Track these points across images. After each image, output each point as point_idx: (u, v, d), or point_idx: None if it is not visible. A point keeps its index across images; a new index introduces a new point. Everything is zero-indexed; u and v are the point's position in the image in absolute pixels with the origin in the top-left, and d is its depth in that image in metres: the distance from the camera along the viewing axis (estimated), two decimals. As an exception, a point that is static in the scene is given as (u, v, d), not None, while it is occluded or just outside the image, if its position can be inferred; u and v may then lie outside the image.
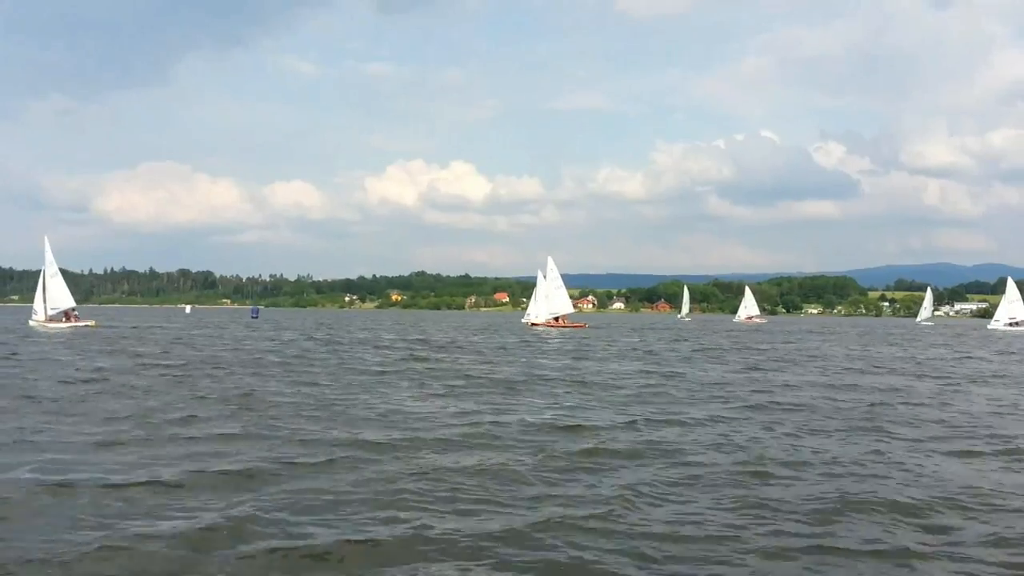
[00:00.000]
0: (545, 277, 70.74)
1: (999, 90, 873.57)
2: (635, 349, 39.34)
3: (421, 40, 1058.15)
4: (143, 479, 8.97)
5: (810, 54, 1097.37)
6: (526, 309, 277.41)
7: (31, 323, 56.40)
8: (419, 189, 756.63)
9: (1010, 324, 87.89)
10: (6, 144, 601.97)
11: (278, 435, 11.94)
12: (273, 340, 42.51)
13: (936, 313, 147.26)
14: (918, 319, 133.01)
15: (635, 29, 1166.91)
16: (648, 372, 25.10)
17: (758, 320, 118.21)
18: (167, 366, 23.82)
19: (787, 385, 21.24)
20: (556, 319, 69.23)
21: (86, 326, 56.00)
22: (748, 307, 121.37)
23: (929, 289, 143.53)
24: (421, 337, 50.22)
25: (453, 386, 19.81)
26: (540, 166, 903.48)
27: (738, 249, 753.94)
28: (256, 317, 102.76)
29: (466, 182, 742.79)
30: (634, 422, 13.95)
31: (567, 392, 19.06)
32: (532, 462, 10.39)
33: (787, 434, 13.15)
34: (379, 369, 24.61)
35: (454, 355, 32.30)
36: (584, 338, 50.57)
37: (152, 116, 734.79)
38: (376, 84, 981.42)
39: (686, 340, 50.77)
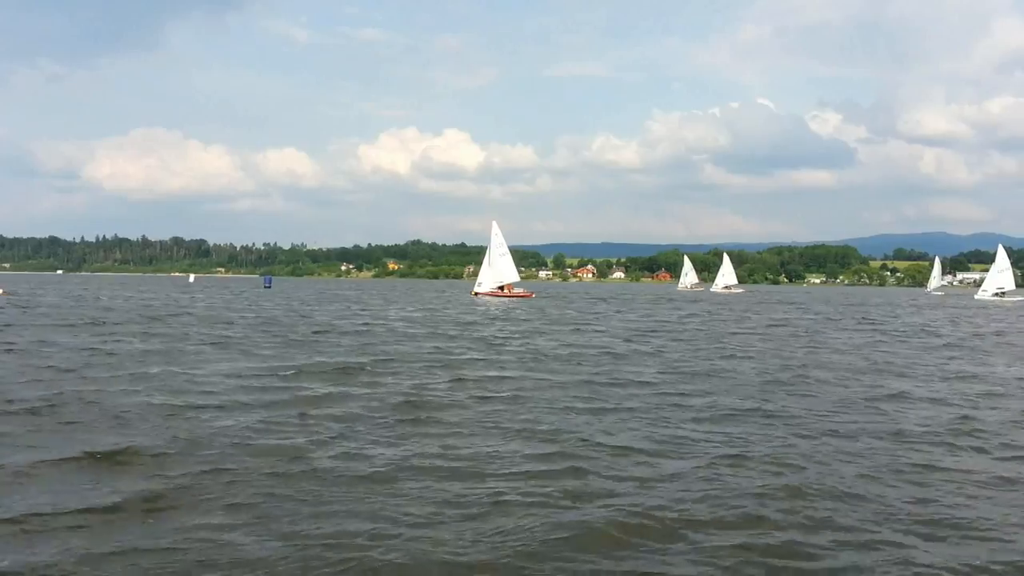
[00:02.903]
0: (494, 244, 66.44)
1: (998, 59, 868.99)
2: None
3: (415, 6, 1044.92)
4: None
5: (809, 22, 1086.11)
6: (524, 278, 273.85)
7: None
8: (412, 157, 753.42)
9: (997, 294, 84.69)
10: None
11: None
12: (393, 324, 30.63)
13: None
14: (928, 288, 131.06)
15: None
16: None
17: (737, 290, 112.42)
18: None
19: None
20: (501, 288, 65.54)
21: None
22: (726, 275, 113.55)
23: (937, 259, 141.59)
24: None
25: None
26: (534, 134, 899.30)
27: (732, 218, 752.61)
28: (269, 287, 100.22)
29: (460, 150, 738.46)
30: None
31: None
32: None
33: None
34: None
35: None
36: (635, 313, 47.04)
37: (143, 82, 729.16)
38: (369, 50, 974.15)
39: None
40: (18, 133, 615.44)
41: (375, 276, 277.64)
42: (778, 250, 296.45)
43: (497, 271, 65.56)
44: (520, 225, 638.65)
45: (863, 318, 42.07)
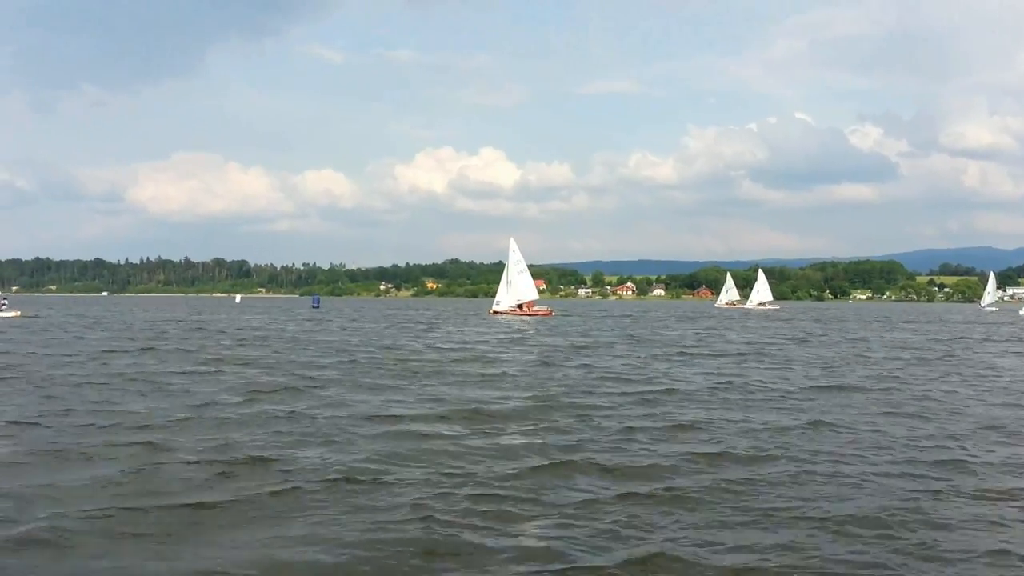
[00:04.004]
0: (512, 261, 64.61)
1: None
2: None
3: (448, 26, 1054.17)
4: None
5: (844, 35, 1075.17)
6: (564, 296, 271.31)
7: None
8: (449, 176, 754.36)
9: None
10: (40, 136, 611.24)
11: None
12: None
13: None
14: (983, 304, 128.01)
15: (663, 13, 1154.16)
16: None
17: (772, 306, 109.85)
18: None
19: None
20: (520, 306, 64.18)
21: (13, 316, 53.16)
22: (761, 292, 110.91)
23: (992, 274, 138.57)
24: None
25: None
26: (570, 152, 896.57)
27: (771, 234, 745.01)
28: (318, 307, 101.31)
29: (496, 169, 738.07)
30: None
31: None
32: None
33: None
34: None
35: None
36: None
37: (183, 106, 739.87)
38: (404, 71, 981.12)
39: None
40: (64, 158, 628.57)
41: (414, 295, 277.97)
42: (821, 266, 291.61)
43: (516, 289, 64.34)
44: (557, 243, 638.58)
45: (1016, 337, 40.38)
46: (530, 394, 16.28)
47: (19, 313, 56.07)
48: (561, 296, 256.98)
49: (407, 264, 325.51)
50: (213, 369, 20.83)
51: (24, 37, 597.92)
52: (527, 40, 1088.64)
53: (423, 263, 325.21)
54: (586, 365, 23.23)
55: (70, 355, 24.58)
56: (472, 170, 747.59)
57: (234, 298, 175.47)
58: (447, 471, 9.49)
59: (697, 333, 43.14)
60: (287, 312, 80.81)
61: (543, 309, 69.03)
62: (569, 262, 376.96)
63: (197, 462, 9.62)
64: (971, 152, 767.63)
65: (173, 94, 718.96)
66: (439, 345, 31.49)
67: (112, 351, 26.41)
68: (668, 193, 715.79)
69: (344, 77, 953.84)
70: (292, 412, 13.58)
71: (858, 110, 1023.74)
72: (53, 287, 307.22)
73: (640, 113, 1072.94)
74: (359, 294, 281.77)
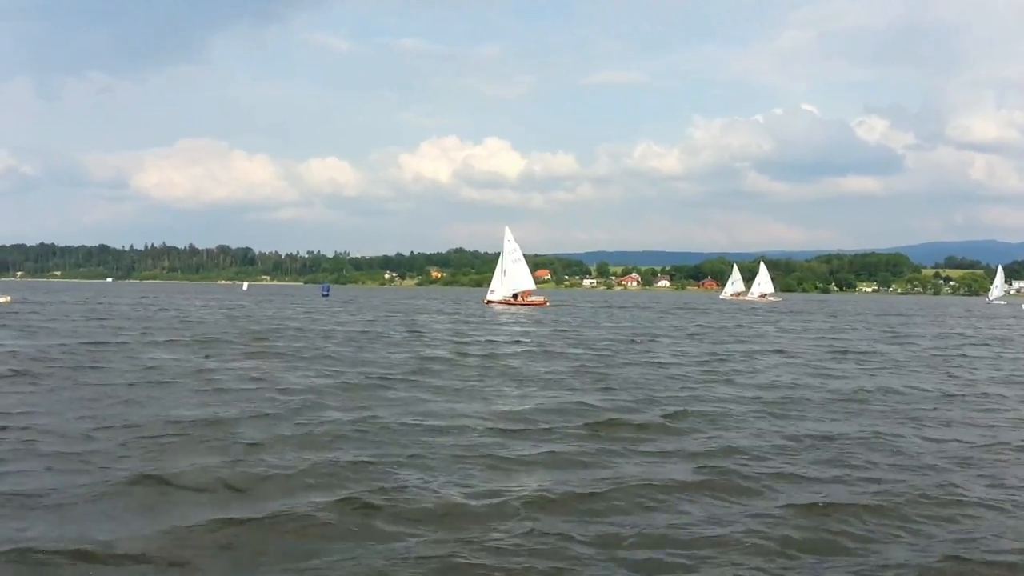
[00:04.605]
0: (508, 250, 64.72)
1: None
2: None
3: (454, 16, 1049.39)
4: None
5: (851, 27, 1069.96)
6: (569, 286, 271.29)
7: None
8: (453, 166, 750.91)
9: None
10: (46, 122, 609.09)
11: None
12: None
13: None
14: (990, 297, 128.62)
15: (670, 3, 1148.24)
16: None
17: (773, 299, 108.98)
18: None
19: None
20: (515, 296, 63.24)
21: (4, 302, 51.83)
22: (762, 284, 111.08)
23: (1000, 267, 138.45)
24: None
25: None
26: (575, 142, 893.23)
27: (776, 226, 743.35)
28: (327, 295, 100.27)
29: (501, 158, 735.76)
30: None
31: None
32: None
33: None
34: None
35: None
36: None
37: (189, 94, 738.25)
38: (409, 60, 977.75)
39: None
40: (69, 145, 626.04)
41: (419, 284, 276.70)
42: (827, 258, 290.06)
43: (512, 278, 63.55)
44: (562, 233, 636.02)
45: None
46: (634, 398, 14.66)
47: (9, 299, 54.18)
48: (566, 286, 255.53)
49: (411, 253, 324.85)
50: (263, 364, 19.23)
51: (31, 24, 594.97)
52: (533, 30, 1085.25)
53: (427, 252, 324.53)
54: (656, 362, 21.69)
55: (92, 346, 22.86)
56: (477, 159, 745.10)
57: (241, 285, 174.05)
58: (615, 520, 7.52)
59: (739, 326, 41.59)
60: (300, 301, 79.29)
61: (539, 299, 68.08)
62: (574, 252, 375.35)
63: (311, 502, 7.85)
64: (977, 145, 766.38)
65: (178, 81, 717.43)
66: (483, 337, 29.89)
67: (142, 342, 24.72)
68: (673, 184, 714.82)
69: (349, 66, 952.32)
70: (366, 419, 12.03)
71: (864, 102, 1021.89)
72: (58, 272, 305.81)
73: (645, 104, 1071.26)
74: (364, 283, 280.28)
